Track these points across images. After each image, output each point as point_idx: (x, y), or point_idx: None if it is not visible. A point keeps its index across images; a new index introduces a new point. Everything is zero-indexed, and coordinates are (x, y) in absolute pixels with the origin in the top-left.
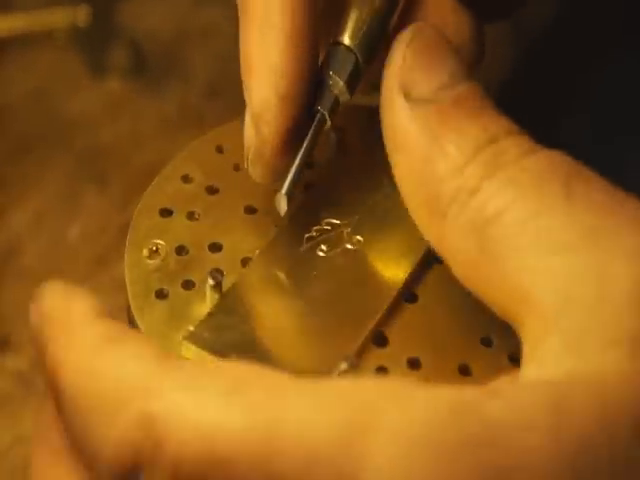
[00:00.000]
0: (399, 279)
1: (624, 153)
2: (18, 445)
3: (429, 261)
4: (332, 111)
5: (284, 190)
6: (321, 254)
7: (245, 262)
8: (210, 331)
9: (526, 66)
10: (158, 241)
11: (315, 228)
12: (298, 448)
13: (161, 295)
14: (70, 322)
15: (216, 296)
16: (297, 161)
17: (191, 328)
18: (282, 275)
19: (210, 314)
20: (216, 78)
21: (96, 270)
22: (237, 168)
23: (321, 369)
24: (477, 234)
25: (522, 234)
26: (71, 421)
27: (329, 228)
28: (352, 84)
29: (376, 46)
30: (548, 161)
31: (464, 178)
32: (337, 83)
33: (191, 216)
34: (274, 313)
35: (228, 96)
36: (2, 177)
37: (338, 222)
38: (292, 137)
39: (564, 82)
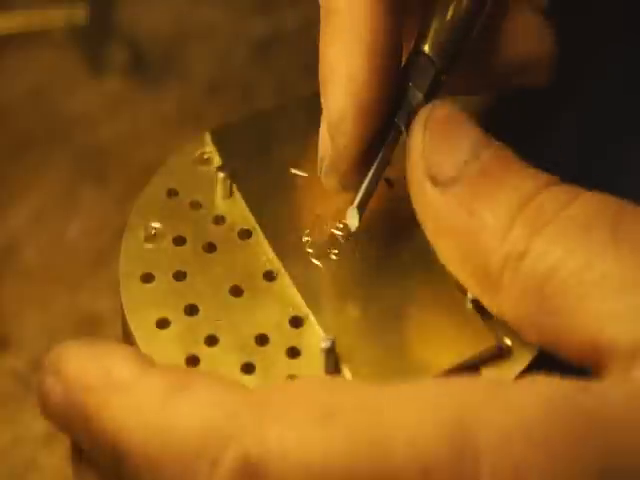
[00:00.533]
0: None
1: (619, 154)
2: (17, 445)
3: None
4: (409, 124)
5: (356, 204)
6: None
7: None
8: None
9: None
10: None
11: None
12: (412, 462)
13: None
14: (118, 383)
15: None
16: (370, 174)
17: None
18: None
19: None
20: (215, 76)
21: (95, 268)
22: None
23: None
24: (535, 296)
25: (580, 285)
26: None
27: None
28: (431, 96)
29: (457, 57)
30: (590, 206)
31: (509, 244)
32: (416, 95)
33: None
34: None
35: (226, 94)
36: (1, 175)
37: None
38: (368, 148)
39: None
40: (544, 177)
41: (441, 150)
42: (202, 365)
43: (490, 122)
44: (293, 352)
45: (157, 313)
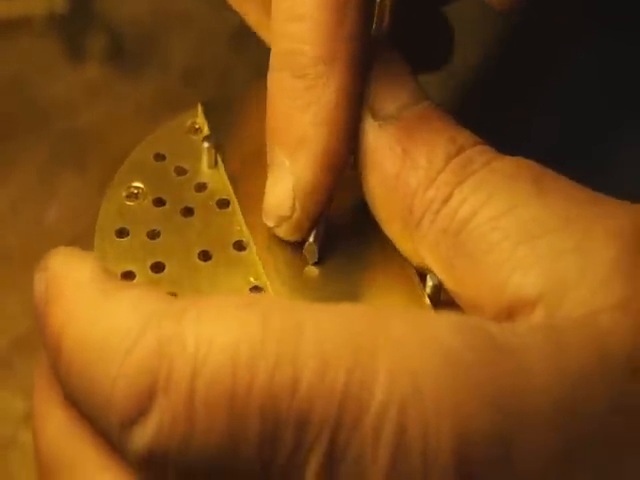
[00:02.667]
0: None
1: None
2: None
3: None
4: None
5: (312, 238)
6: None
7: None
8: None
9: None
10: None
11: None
12: (316, 353)
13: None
14: (71, 283)
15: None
16: (326, 212)
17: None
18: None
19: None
20: (194, 64)
21: None
22: (180, 171)
23: None
24: (450, 239)
25: (496, 229)
26: (75, 379)
27: None
28: None
29: None
30: (516, 163)
31: (435, 188)
32: None
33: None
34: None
35: (206, 81)
36: None
37: None
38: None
39: (533, 75)
40: (478, 138)
41: (385, 90)
42: None
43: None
44: None
45: (124, 266)
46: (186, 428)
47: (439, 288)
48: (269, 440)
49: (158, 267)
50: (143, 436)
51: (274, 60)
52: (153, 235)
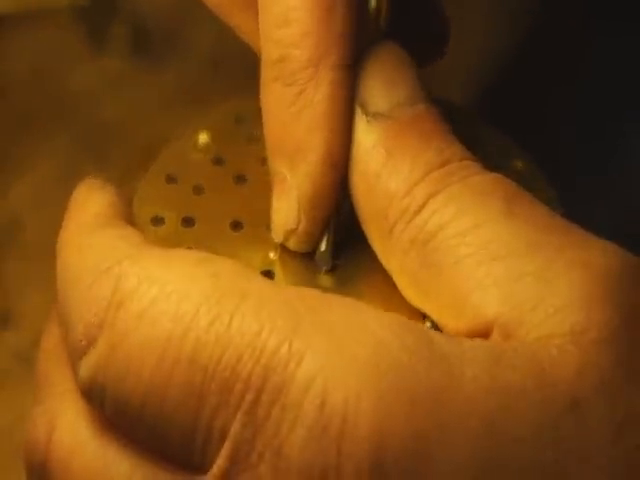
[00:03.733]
0: None
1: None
2: (19, 424)
3: None
4: None
5: (324, 247)
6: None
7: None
8: None
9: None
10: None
11: None
12: (253, 319)
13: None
14: (79, 213)
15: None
16: (334, 218)
17: None
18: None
19: None
20: (218, 55)
21: None
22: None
23: None
24: (418, 249)
25: (461, 245)
26: (59, 302)
27: None
28: None
29: None
30: (493, 181)
31: (411, 198)
32: None
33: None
34: None
35: (230, 73)
36: (2, 153)
37: None
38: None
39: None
40: (467, 153)
41: (380, 84)
42: None
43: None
44: None
45: (159, 211)
46: (121, 364)
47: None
48: (195, 393)
49: (188, 222)
50: (86, 366)
51: (265, 71)
52: (198, 190)
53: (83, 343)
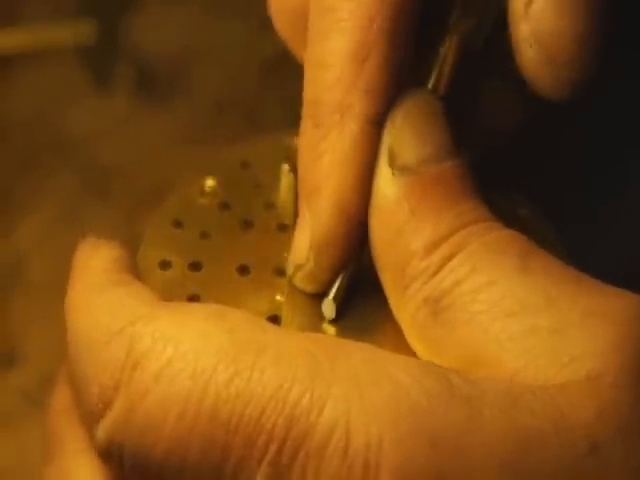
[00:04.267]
0: None
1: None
2: (23, 464)
3: None
4: None
5: (332, 295)
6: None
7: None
8: None
9: None
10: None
11: None
12: (273, 372)
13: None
14: (85, 272)
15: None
16: (347, 271)
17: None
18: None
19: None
20: (223, 95)
21: None
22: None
23: None
24: (431, 306)
25: (475, 302)
26: (70, 360)
27: None
28: None
29: None
30: (506, 238)
31: (429, 261)
32: None
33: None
34: None
35: (235, 113)
36: (8, 193)
37: None
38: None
39: None
40: (488, 214)
41: (409, 136)
42: None
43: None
44: None
45: (166, 255)
46: (141, 423)
47: None
48: (218, 448)
49: (195, 266)
50: (104, 428)
51: (304, 108)
52: (205, 235)
53: (100, 406)
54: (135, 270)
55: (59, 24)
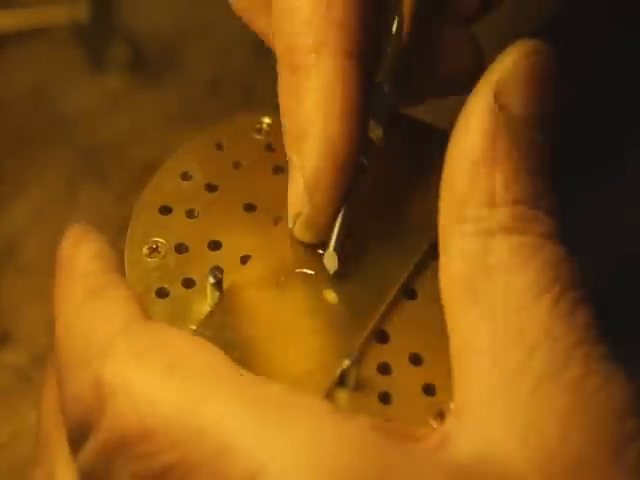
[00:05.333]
0: (399, 276)
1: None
2: (16, 441)
3: (428, 259)
4: (370, 157)
5: (332, 247)
6: (320, 252)
7: (245, 260)
8: (212, 330)
9: None
10: (158, 239)
11: None
12: (214, 440)
13: (162, 294)
14: (71, 270)
15: (217, 294)
16: (341, 217)
17: (193, 327)
18: (282, 274)
19: (211, 313)
20: (216, 74)
21: None
22: (237, 165)
23: (323, 367)
24: (471, 258)
25: (501, 293)
26: (57, 362)
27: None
28: (388, 124)
29: (404, 81)
30: (553, 259)
31: (493, 217)
32: (376, 129)
33: (191, 214)
34: (275, 312)
35: (228, 92)
36: (1, 172)
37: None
38: (343, 200)
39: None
40: (558, 227)
41: (519, 83)
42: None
43: None
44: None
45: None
46: (108, 466)
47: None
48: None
49: (180, 249)
50: (84, 454)
51: (278, 62)
52: (191, 214)
53: (76, 435)
54: (117, 263)
55: (53, 3)
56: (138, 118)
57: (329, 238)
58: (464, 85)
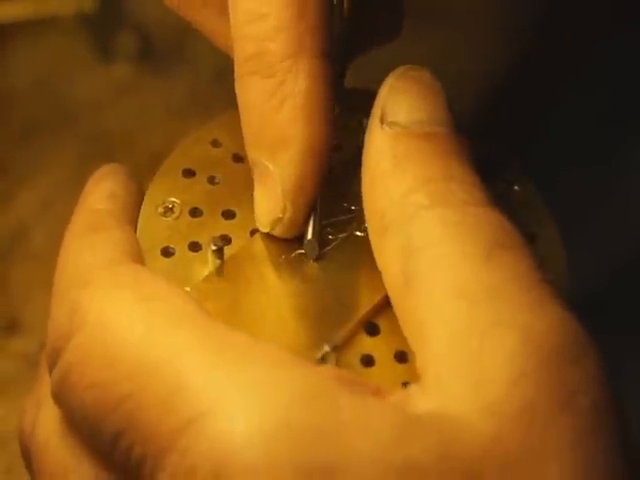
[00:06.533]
0: None
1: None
2: None
3: None
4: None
5: (310, 235)
6: (330, 237)
7: (254, 232)
8: (203, 295)
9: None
10: (175, 199)
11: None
12: (169, 375)
13: (166, 253)
14: (83, 205)
15: (217, 261)
16: (318, 206)
17: (187, 289)
18: (284, 252)
19: (206, 278)
20: (224, 63)
21: None
22: None
23: (303, 348)
24: (404, 259)
25: (436, 270)
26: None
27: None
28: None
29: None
30: (488, 218)
31: (408, 203)
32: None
33: (212, 180)
34: (270, 288)
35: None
36: (10, 161)
37: (354, 208)
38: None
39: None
40: (478, 180)
41: (407, 101)
42: None
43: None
44: None
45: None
46: (68, 392)
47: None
48: (123, 435)
49: (195, 213)
50: (53, 377)
51: (239, 67)
52: (212, 181)
53: (50, 360)
54: (131, 206)
55: None
56: (145, 108)
57: (306, 227)
58: (391, 32)
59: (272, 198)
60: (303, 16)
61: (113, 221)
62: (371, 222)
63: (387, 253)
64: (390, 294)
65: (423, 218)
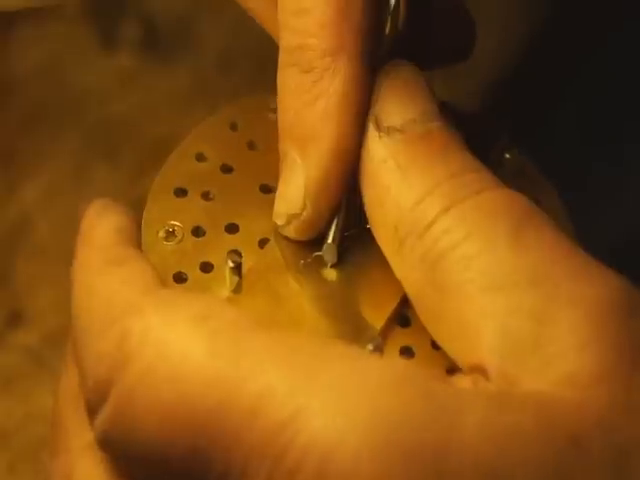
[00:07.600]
0: None
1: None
2: (29, 422)
3: None
4: None
5: (331, 239)
6: (345, 234)
7: (262, 243)
8: None
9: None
10: (174, 222)
11: None
12: (251, 386)
13: (179, 279)
14: (90, 241)
15: (236, 278)
16: (343, 209)
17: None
18: (299, 258)
19: (229, 298)
20: (229, 51)
21: None
22: (251, 146)
23: None
24: (428, 267)
25: (468, 270)
26: (74, 340)
27: None
28: None
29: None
30: (504, 200)
31: (421, 211)
32: None
33: (206, 196)
34: (296, 295)
35: (241, 70)
36: (13, 151)
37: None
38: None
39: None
40: (478, 164)
41: (394, 102)
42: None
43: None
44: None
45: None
46: (129, 423)
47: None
48: (199, 454)
49: (197, 232)
50: (99, 422)
51: (282, 56)
52: (207, 197)
53: (95, 399)
54: (137, 237)
55: None
56: (150, 96)
57: (327, 230)
58: (461, 51)
59: (294, 192)
60: (347, 15)
61: (132, 253)
62: (382, 236)
63: (406, 265)
64: (415, 303)
65: (441, 223)
